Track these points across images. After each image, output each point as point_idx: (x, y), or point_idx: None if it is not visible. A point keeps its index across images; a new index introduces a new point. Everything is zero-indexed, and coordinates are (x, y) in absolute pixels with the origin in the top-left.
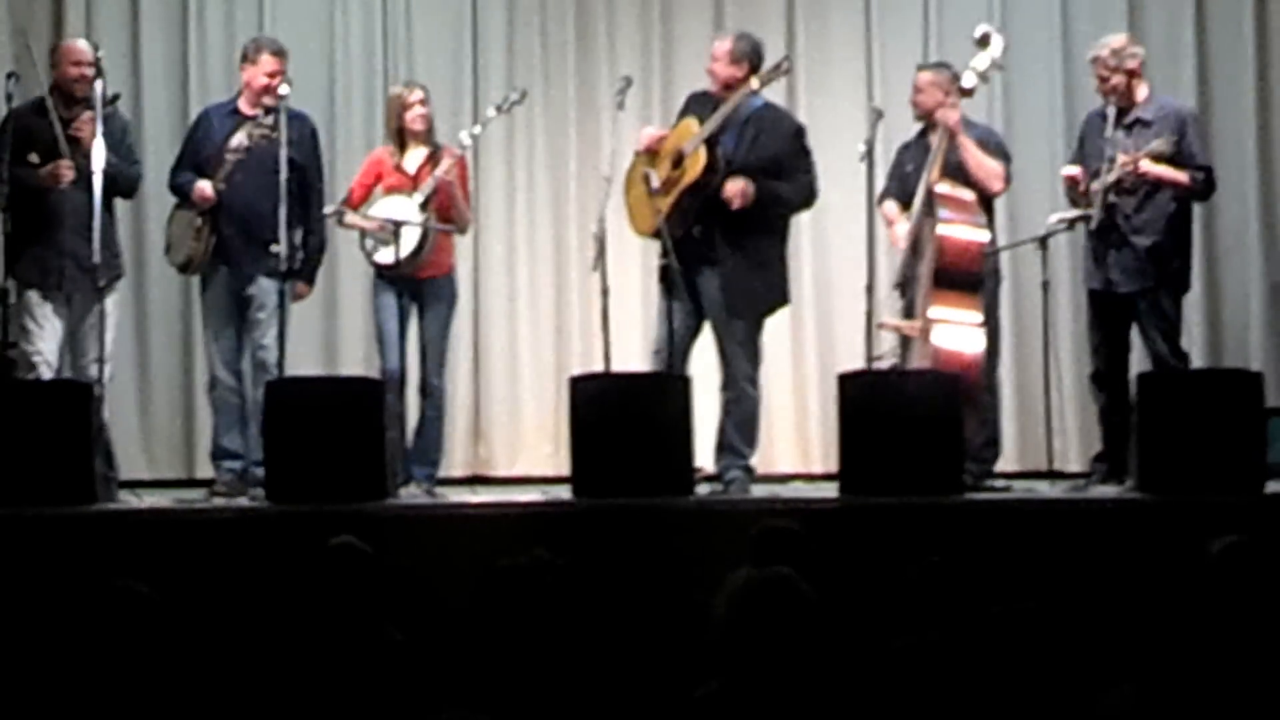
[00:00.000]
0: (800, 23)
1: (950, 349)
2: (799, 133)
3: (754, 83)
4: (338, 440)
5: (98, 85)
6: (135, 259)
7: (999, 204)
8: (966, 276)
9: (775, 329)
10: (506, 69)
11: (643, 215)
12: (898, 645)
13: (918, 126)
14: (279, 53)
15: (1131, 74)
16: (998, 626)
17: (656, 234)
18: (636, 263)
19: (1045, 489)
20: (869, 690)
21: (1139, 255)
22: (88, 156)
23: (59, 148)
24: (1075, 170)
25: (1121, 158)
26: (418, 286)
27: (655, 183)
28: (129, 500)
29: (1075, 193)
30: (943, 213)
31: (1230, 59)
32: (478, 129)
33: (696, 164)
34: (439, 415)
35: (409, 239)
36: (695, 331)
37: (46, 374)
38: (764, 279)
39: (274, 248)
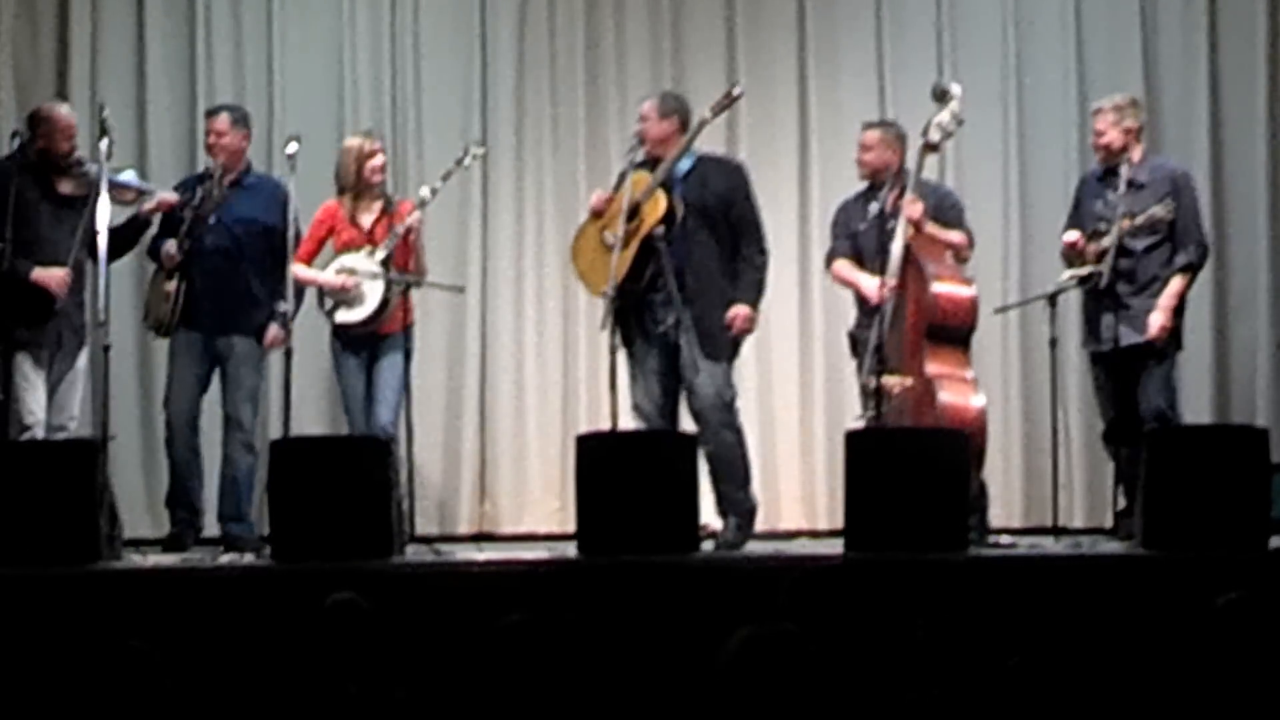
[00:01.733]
0: (811, 55)
1: (955, 404)
2: (740, 169)
3: (708, 113)
4: (343, 498)
5: (103, 144)
6: (140, 314)
7: (1011, 258)
8: (959, 331)
9: (783, 385)
10: (515, 115)
11: (599, 276)
12: (904, 700)
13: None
14: (215, 113)
15: (1129, 133)
16: (1006, 682)
17: (619, 291)
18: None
19: (1051, 545)
20: None
21: (1139, 313)
22: (79, 219)
23: (49, 211)
24: (1076, 236)
25: (1123, 222)
26: (376, 342)
27: (611, 240)
28: (133, 559)
29: (1073, 255)
30: (929, 268)
31: (1242, 121)
32: (438, 184)
33: (656, 208)
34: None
35: (374, 297)
36: (670, 388)
37: (39, 433)
38: (721, 326)
39: (280, 305)
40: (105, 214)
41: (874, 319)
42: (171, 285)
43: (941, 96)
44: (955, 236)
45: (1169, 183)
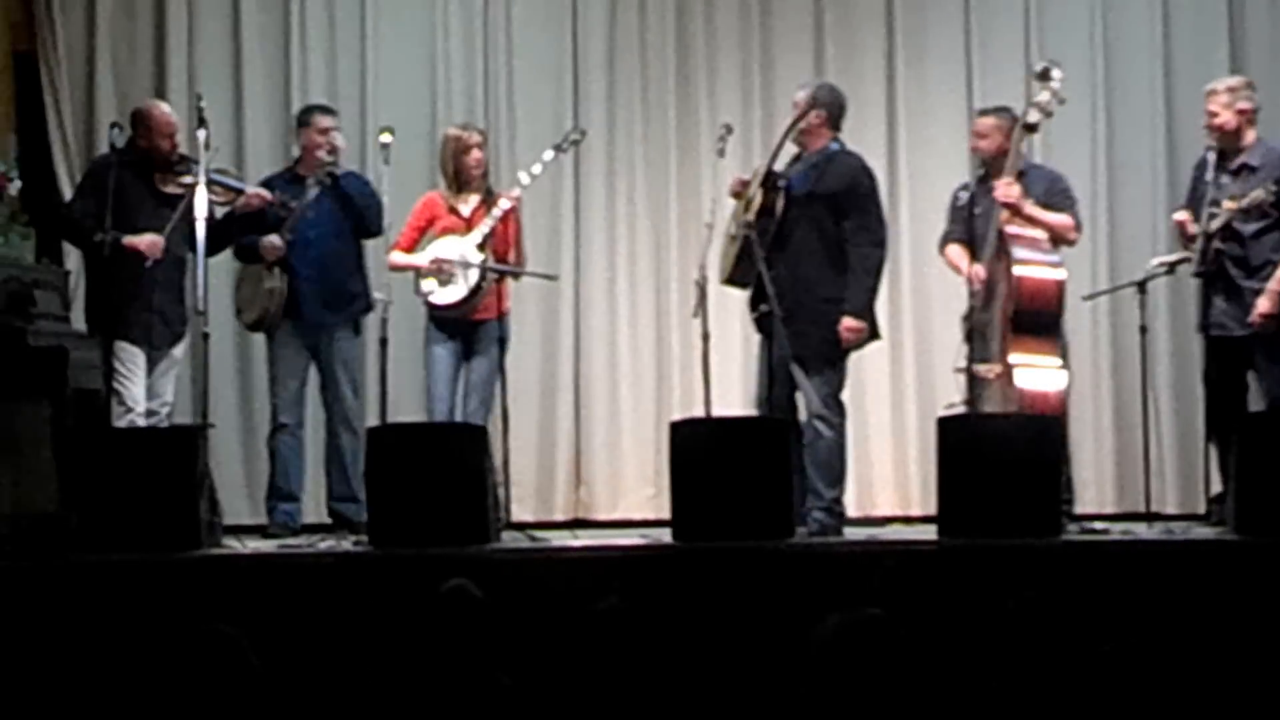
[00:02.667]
0: (900, 67)
1: (1034, 391)
2: (862, 171)
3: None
4: (440, 485)
5: (200, 134)
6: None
7: (1100, 246)
8: (1044, 318)
9: (875, 373)
10: (607, 104)
11: (722, 263)
12: (993, 685)
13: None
14: (329, 113)
15: (1242, 115)
16: (1099, 668)
17: (729, 282)
18: (737, 308)
19: (1143, 530)
20: None
21: (1248, 300)
22: (176, 212)
23: (151, 208)
24: (1184, 215)
25: (1227, 204)
26: (471, 329)
27: (733, 229)
28: (233, 545)
29: (1185, 237)
30: (1017, 252)
31: None
32: (536, 169)
33: (752, 207)
34: None
35: (468, 279)
36: (781, 377)
37: (139, 420)
38: (807, 320)
39: (376, 294)
40: (204, 206)
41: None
42: (275, 281)
43: (1043, 76)
44: (1057, 219)
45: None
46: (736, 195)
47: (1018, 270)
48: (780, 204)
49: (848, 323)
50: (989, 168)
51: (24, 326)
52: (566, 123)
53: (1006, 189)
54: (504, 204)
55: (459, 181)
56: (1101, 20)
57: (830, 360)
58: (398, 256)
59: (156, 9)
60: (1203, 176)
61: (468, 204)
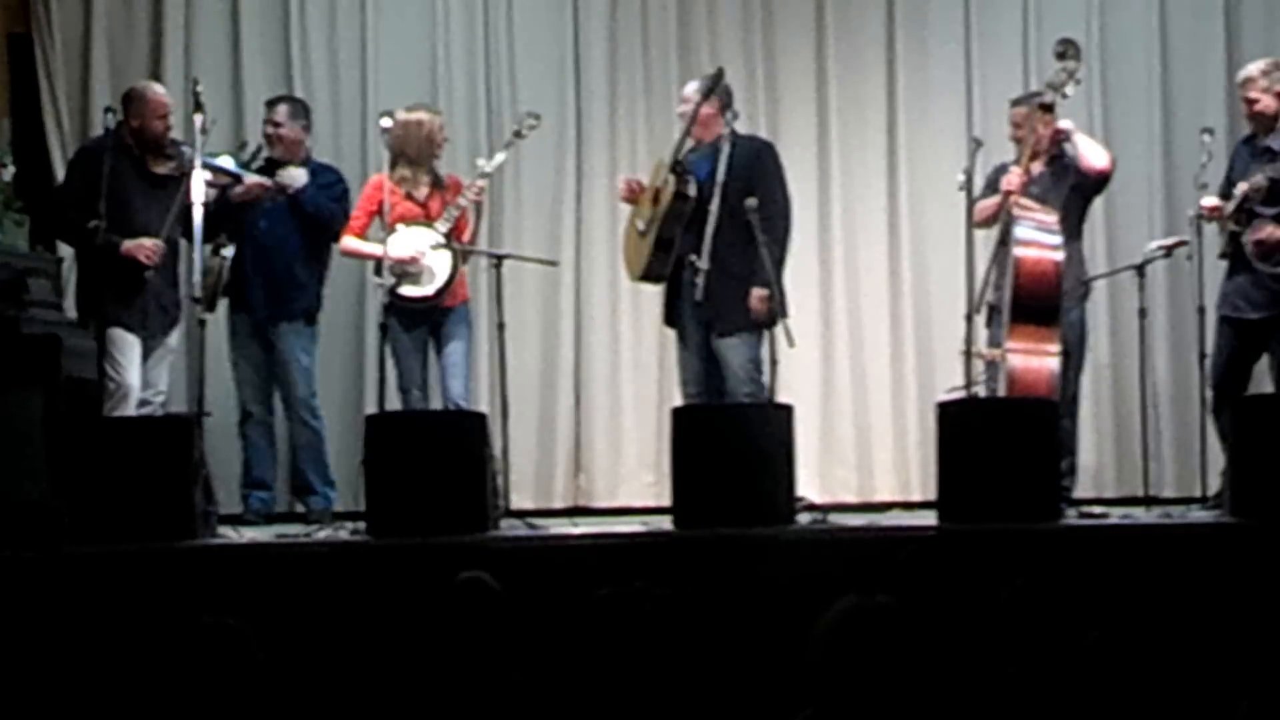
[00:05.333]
0: (900, 54)
1: (1025, 376)
2: (766, 147)
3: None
4: (438, 473)
5: (197, 119)
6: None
7: (1098, 230)
8: (1044, 304)
9: (875, 357)
10: (608, 91)
11: (632, 261)
12: (1000, 673)
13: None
14: (274, 104)
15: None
16: (1095, 653)
17: (644, 278)
18: None
19: (1141, 514)
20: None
21: (1265, 282)
22: (173, 199)
23: (143, 191)
24: (1214, 202)
25: (1241, 186)
26: (438, 316)
27: (642, 225)
28: (228, 535)
29: (1220, 222)
30: (1019, 230)
31: None
32: (500, 157)
33: (666, 193)
34: None
35: (442, 271)
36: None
37: (131, 408)
38: (729, 302)
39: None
40: (200, 192)
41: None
42: (212, 261)
43: (1060, 54)
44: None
45: None
46: (632, 198)
47: (1017, 251)
48: (693, 189)
49: (757, 292)
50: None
51: (16, 314)
52: (569, 106)
53: (1007, 179)
54: (470, 194)
55: (417, 164)
56: (1099, 8)
57: (749, 330)
58: (351, 242)
59: None
60: (1239, 161)
61: (420, 189)
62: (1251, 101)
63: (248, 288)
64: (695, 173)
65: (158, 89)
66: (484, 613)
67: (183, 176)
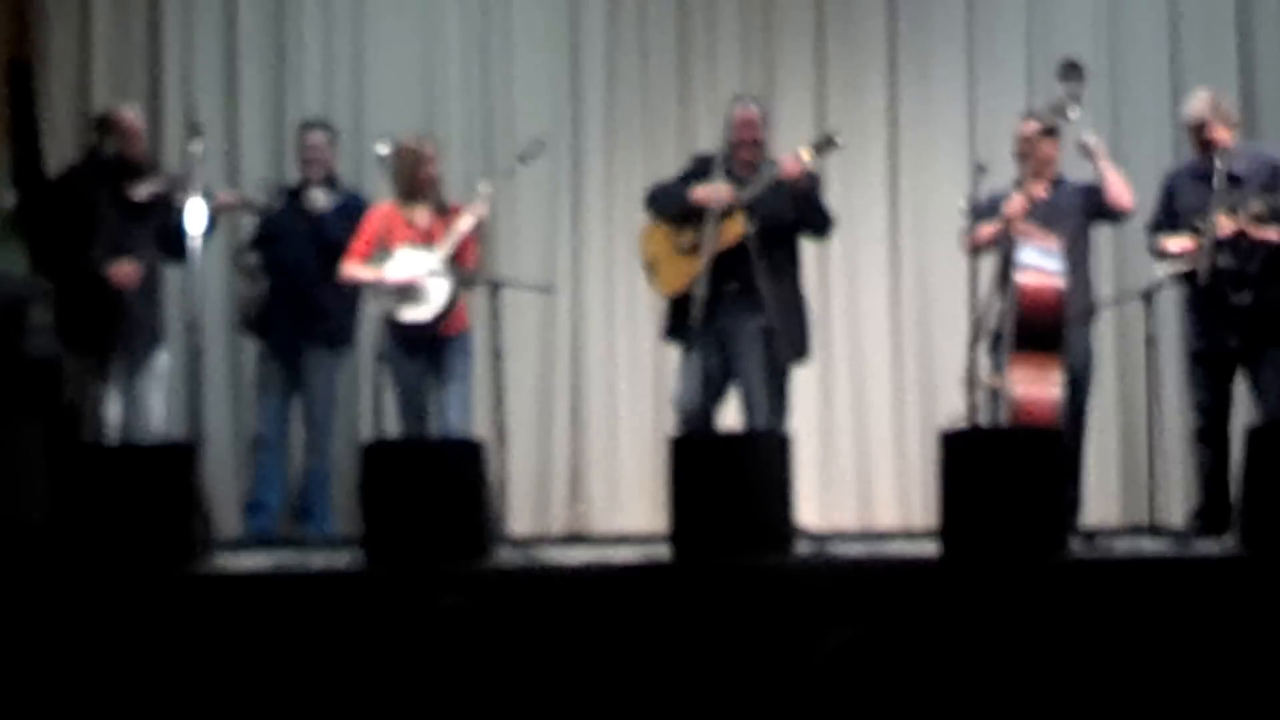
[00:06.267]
0: (902, 76)
1: (1028, 406)
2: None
3: (805, 154)
4: (435, 500)
5: (197, 146)
6: (231, 317)
7: (1105, 253)
8: (1046, 330)
9: (876, 384)
10: (605, 112)
11: (667, 276)
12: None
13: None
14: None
15: (1229, 124)
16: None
17: (680, 294)
18: None
19: (1148, 545)
20: None
21: (1245, 312)
22: (150, 221)
23: (117, 217)
24: (1188, 244)
25: (1223, 222)
26: (440, 344)
27: (686, 245)
28: (225, 562)
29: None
30: (1021, 255)
31: None
32: (499, 180)
33: (734, 229)
34: None
35: (439, 296)
36: (723, 389)
37: (113, 435)
38: (795, 332)
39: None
40: (197, 216)
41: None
42: (249, 291)
43: (1064, 77)
44: (1118, 174)
45: (1267, 172)
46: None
47: (1019, 277)
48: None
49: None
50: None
51: (17, 339)
52: (565, 131)
53: (1009, 204)
54: (470, 218)
55: (414, 193)
56: (1106, 23)
57: (789, 372)
58: (349, 268)
59: (151, 17)
60: (1179, 192)
61: (422, 216)
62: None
63: (271, 312)
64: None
65: (131, 112)
66: (464, 639)
67: (158, 199)
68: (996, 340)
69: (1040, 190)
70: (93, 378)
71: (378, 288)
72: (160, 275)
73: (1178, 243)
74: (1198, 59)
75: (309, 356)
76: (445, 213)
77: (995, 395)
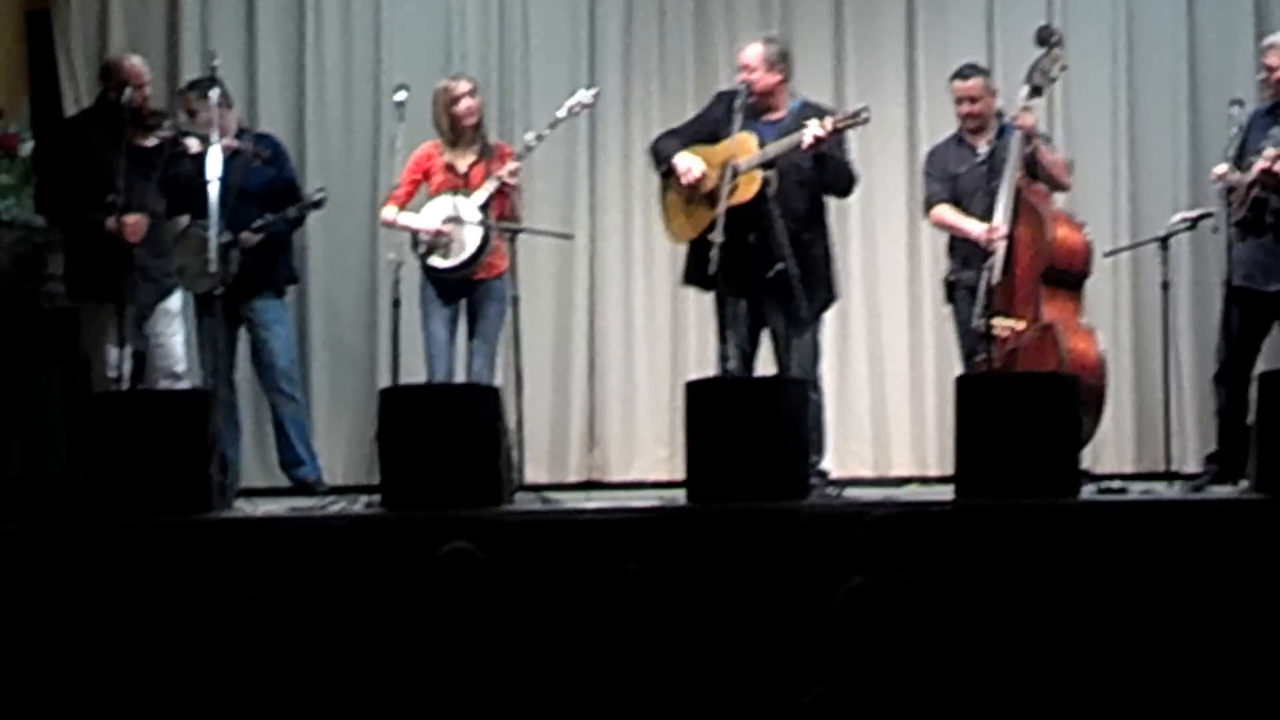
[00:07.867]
0: (920, 48)
1: (1079, 350)
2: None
3: (827, 124)
4: (452, 447)
5: (213, 94)
6: None
7: (1122, 205)
8: (1076, 276)
9: (892, 332)
10: (623, 63)
11: (677, 224)
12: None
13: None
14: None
15: None
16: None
17: (695, 241)
18: None
19: (1163, 490)
20: (982, 696)
21: None
22: (155, 171)
23: (124, 165)
24: (1223, 168)
25: (1269, 152)
26: (472, 289)
27: (701, 192)
28: (244, 508)
29: (1226, 189)
30: (1045, 210)
31: None
32: (545, 130)
33: (751, 186)
34: None
35: (471, 243)
36: (757, 340)
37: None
38: (821, 279)
39: (390, 255)
40: (218, 166)
41: (975, 263)
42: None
43: (1043, 40)
44: (1058, 155)
45: None
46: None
47: (1053, 230)
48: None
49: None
50: (976, 128)
51: (35, 289)
52: (582, 79)
53: (1025, 115)
54: (510, 166)
55: (454, 134)
56: None
57: (817, 321)
58: (391, 213)
59: None
60: (1252, 130)
61: (465, 159)
62: (1270, 69)
63: None
64: (763, 136)
65: (135, 60)
66: (471, 584)
67: (165, 147)
68: (990, 291)
69: (984, 144)
70: (99, 326)
71: (415, 235)
72: (162, 226)
73: (1219, 168)
74: (1214, 18)
75: (261, 305)
76: (489, 155)
77: (994, 342)
